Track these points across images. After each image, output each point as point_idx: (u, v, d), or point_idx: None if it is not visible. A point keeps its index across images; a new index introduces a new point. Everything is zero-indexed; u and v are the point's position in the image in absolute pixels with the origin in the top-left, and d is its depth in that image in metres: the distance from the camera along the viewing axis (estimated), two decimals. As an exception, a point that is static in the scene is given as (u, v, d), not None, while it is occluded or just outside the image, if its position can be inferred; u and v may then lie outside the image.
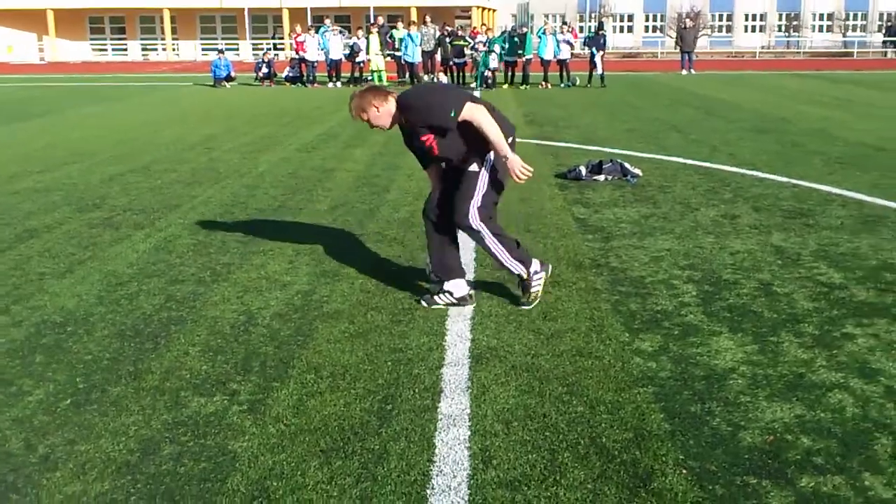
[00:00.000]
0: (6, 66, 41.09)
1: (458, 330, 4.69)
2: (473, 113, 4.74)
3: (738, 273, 5.74)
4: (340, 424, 3.59)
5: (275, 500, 3.04)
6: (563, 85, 25.06)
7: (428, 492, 3.08)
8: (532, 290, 5.06)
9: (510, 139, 4.85)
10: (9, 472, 3.24)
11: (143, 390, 3.95)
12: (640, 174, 9.33)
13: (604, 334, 4.60)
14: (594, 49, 25.30)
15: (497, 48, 25.26)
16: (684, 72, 30.17)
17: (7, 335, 4.69)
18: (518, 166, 4.78)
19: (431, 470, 3.22)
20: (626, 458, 3.30)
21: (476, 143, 4.85)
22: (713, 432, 3.50)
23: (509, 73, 25.83)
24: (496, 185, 5.00)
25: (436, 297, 5.11)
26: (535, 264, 5.09)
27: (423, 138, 4.90)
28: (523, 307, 5.04)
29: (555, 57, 25.57)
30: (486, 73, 25.00)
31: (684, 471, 3.20)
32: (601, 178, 9.20)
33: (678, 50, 32.92)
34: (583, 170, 9.32)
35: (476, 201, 4.91)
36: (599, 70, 25.08)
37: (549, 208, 7.86)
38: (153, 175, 9.91)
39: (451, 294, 5.07)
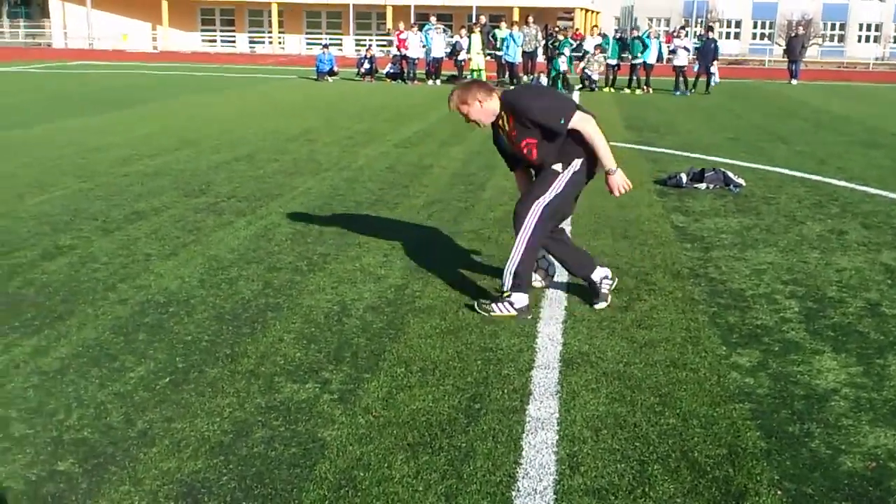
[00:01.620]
0: (122, 54, 42.65)
1: (550, 333, 4.65)
2: (585, 125, 4.70)
3: (843, 291, 5.53)
4: (428, 420, 3.60)
5: (361, 490, 3.06)
6: (677, 93, 23.64)
7: (513, 493, 3.06)
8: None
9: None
10: (108, 445, 3.36)
11: (238, 373, 4.04)
12: (744, 184, 9.09)
13: (700, 346, 4.49)
14: (707, 58, 24.40)
15: (567, 51, 24.91)
16: (794, 81, 29.24)
17: (113, 312, 4.87)
18: (622, 181, 4.81)
19: (517, 472, 3.20)
20: (719, 474, 3.21)
21: (574, 151, 4.78)
22: (812, 454, 3.38)
23: (611, 77, 25.45)
24: (569, 193, 4.85)
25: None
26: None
27: (524, 143, 4.79)
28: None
29: (660, 61, 24.92)
30: (588, 75, 24.70)
31: (779, 492, 3.10)
32: (702, 186, 9.00)
33: (786, 59, 31.90)
34: (683, 177, 9.13)
35: (544, 200, 4.76)
36: (716, 79, 24.43)
37: (648, 215, 7.73)
38: (256, 164, 10.15)
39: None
